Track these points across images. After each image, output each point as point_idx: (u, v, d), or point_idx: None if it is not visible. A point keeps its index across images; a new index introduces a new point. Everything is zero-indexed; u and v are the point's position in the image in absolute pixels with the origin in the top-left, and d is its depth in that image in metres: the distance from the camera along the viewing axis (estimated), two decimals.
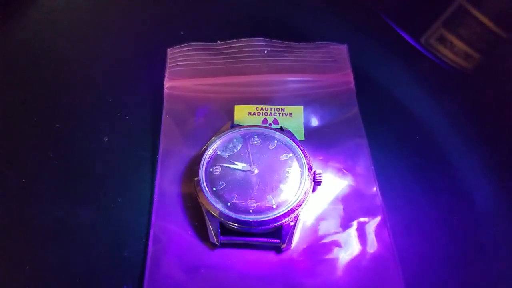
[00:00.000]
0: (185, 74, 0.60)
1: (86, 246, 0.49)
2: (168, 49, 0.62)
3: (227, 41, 0.62)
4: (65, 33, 0.67)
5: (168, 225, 0.49)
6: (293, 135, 0.54)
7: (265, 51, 0.62)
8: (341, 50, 0.63)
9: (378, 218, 0.50)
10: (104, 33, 0.68)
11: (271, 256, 0.48)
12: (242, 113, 0.57)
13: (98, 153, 0.55)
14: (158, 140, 0.55)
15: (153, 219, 0.49)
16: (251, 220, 0.46)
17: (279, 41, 0.62)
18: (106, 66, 0.64)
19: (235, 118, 0.57)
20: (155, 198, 0.51)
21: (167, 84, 0.59)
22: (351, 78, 0.60)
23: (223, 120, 0.57)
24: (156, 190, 0.51)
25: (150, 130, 0.57)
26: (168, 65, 0.60)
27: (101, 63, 0.64)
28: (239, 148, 0.52)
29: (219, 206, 0.47)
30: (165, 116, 0.57)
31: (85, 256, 0.48)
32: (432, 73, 0.65)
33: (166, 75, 0.59)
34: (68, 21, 0.69)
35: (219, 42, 0.62)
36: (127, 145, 0.56)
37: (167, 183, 0.52)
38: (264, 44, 0.62)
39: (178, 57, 0.61)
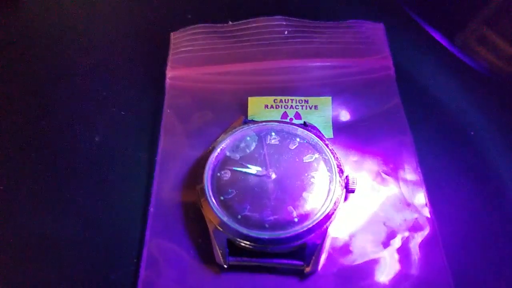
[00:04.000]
0: (191, 62, 0.57)
1: (67, 267, 0.45)
2: (172, 33, 0.59)
3: (240, 22, 0.59)
4: (54, 18, 0.66)
5: (166, 243, 0.46)
6: (320, 131, 0.51)
7: (285, 32, 0.58)
8: (377, 29, 0.59)
9: (427, 233, 0.46)
10: (99, 17, 0.66)
11: (292, 282, 0.44)
12: (258, 107, 0.54)
13: (87, 155, 0.52)
14: (157, 139, 0.52)
15: (147, 235, 0.46)
16: (266, 237, 0.42)
17: (302, 20, 0.59)
18: (100, 55, 0.61)
19: (249, 112, 0.54)
20: (151, 209, 0.48)
21: (169, 73, 0.56)
22: (390, 62, 0.57)
23: (234, 115, 0.53)
24: (153, 199, 0.48)
25: (149, 127, 0.54)
26: (171, 52, 0.58)
27: (95, 51, 0.61)
28: (252, 148, 0.48)
29: (227, 219, 0.43)
30: (166, 111, 0.54)
31: (65, 278, 0.44)
32: None
33: (169, 63, 0.57)
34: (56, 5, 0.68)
35: (230, 22, 0.59)
36: (121, 145, 0.53)
37: (165, 190, 0.49)
38: (284, 23, 0.59)
39: (182, 42, 0.58)
